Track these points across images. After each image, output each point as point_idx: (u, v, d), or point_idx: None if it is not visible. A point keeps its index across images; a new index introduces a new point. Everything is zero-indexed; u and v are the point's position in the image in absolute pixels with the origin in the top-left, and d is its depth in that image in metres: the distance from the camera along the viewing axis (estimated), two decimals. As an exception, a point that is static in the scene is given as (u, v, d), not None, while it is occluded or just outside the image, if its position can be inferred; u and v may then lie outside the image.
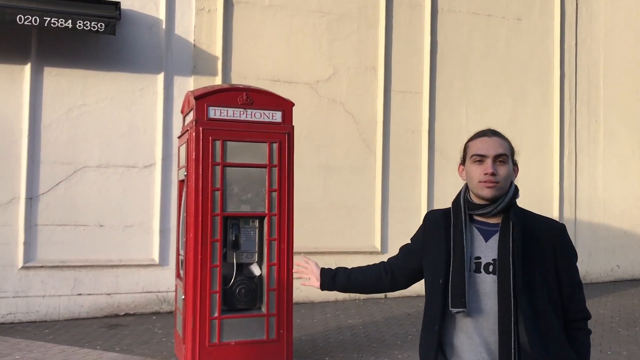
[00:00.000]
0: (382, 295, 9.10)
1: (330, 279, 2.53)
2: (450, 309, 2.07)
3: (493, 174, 2.09)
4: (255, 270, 5.35)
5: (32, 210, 7.58)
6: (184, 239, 5.37)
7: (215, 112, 5.23)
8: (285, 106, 5.46)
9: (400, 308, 8.50)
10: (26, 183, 7.54)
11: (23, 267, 7.50)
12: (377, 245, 9.07)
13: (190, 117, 5.40)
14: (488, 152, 2.12)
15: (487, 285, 2.07)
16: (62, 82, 7.74)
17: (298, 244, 7.79)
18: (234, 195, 5.23)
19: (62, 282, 7.66)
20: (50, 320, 7.56)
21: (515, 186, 2.20)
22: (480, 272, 2.09)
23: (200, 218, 5.10)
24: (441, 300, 2.12)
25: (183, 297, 5.29)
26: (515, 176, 2.21)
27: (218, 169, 5.17)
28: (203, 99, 5.21)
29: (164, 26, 8.14)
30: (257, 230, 5.34)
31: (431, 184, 9.46)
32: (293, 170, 5.40)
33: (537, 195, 10.14)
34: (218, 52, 8.33)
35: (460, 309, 2.05)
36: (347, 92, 9.05)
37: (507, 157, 2.15)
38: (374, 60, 9.21)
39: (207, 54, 8.32)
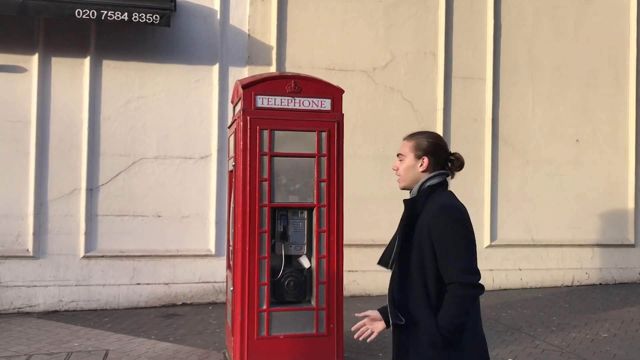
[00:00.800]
0: (442, 289, 8.78)
1: (392, 311, 2.64)
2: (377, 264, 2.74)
3: (394, 169, 2.74)
4: (305, 262, 5.21)
5: (93, 201, 7.74)
6: (233, 230, 5.30)
7: (262, 101, 5.11)
8: (334, 93, 5.27)
9: (460, 303, 8.16)
10: (87, 174, 7.71)
11: (84, 257, 7.68)
12: (437, 238, 8.75)
13: (239, 106, 5.31)
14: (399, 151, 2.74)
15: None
16: (120, 74, 7.85)
17: (353, 235, 7.65)
18: (282, 186, 5.10)
19: (121, 272, 7.80)
20: (110, 309, 7.72)
21: (428, 177, 2.65)
22: None
23: (247, 209, 5.00)
24: None
25: (232, 288, 5.22)
26: (422, 168, 2.65)
27: (266, 159, 5.05)
28: (250, 87, 5.10)
29: (218, 17, 8.11)
30: (305, 221, 5.19)
31: (495, 175, 9.05)
32: (343, 159, 5.22)
33: (611, 184, 9.54)
34: (272, 41, 8.23)
35: (382, 266, 2.69)
36: (405, 79, 8.76)
37: (402, 155, 2.70)
38: (433, 46, 8.86)
39: (261, 44, 8.23)
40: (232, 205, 5.48)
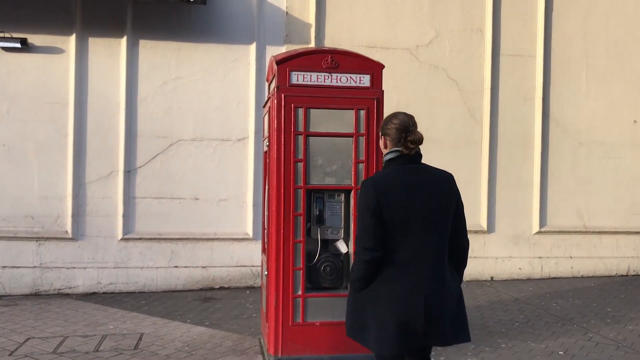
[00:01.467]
0: (487, 277, 8.44)
1: None
2: None
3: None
4: (342, 247, 4.97)
5: (130, 183, 7.68)
6: (267, 213, 5.10)
7: (297, 78, 4.86)
8: (374, 69, 4.98)
9: (507, 292, 7.81)
10: (124, 156, 7.64)
11: (122, 239, 7.64)
12: (484, 224, 8.40)
13: (274, 84, 5.08)
14: None
15: None
16: (156, 54, 7.73)
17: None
18: (318, 167, 4.86)
19: (159, 254, 7.73)
20: (148, 292, 7.68)
21: (387, 153, 3.19)
22: None
23: (282, 191, 4.78)
24: None
25: (266, 273, 5.03)
26: (382, 146, 3.26)
27: (301, 138, 4.81)
28: (285, 63, 4.86)
29: (256, -6, 7.88)
30: (342, 204, 4.94)
31: (545, 157, 8.60)
32: (382, 139, 4.93)
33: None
34: (311, 19, 7.96)
35: None
36: (451, 56, 8.36)
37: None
38: (480, 22, 8.43)
39: (299, 22, 7.97)
40: (267, 187, 5.28)
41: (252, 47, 7.88)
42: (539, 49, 8.56)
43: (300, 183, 4.81)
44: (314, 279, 4.89)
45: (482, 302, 7.23)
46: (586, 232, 8.71)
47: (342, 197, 4.94)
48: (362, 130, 4.87)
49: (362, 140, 4.87)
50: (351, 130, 4.87)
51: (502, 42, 8.49)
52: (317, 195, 4.90)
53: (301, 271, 4.80)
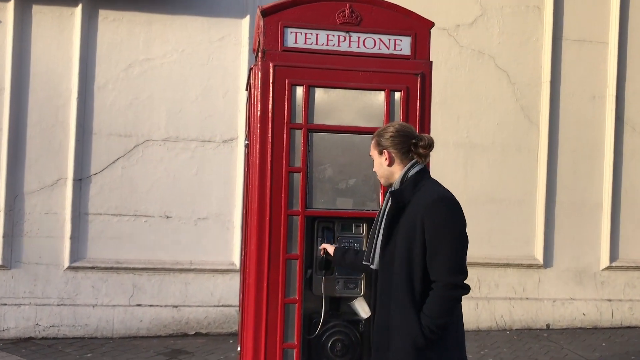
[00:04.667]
0: (542, 324, 6.56)
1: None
2: (363, 262, 2.63)
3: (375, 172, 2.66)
4: (361, 308, 3.14)
5: (82, 195, 5.92)
6: (245, 250, 3.28)
7: (296, 38, 3.06)
8: (417, 27, 3.20)
9: (573, 347, 5.93)
10: (74, 160, 5.90)
11: (70, 268, 5.88)
12: (539, 256, 6.56)
13: (260, 49, 3.25)
14: None
15: None
16: (120, 29, 6.00)
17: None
18: (326, 181, 3.05)
19: (117, 289, 5.96)
20: (101, 337, 5.88)
21: (410, 166, 2.52)
22: None
23: (267, 218, 2.97)
24: None
25: (239, 349, 3.20)
26: (387, 162, 2.54)
27: (300, 135, 3.01)
28: (276, 14, 3.05)
29: (250, -46, 6.13)
30: (364, 240, 3.13)
31: (618, 170, 6.77)
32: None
33: None
34: (321, -13, 6.16)
35: (366, 263, 2.60)
36: (500, 41, 6.59)
37: (372, 156, 2.63)
38: (538, -3, 6.64)
39: (307, -10, 6.19)
40: (246, 209, 3.46)
41: (244, 22, 6.14)
42: (612, 34, 6.80)
43: (298, 207, 3.00)
44: (316, 360, 3.06)
45: (544, 364, 5.36)
46: (669, 269, 6.83)
47: (364, 228, 3.12)
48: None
49: (398, 139, 3.05)
50: (380, 123, 3.06)
51: (565, 24, 6.75)
52: (323, 226, 3.10)
53: (295, 350, 2.97)
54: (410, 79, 3.08)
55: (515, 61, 6.60)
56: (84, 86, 5.92)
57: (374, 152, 2.60)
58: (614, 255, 6.73)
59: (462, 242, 2.40)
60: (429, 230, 2.35)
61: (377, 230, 2.54)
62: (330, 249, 2.93)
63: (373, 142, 2.60)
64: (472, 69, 6.50)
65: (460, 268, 2.37)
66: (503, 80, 6.56)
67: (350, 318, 3.11)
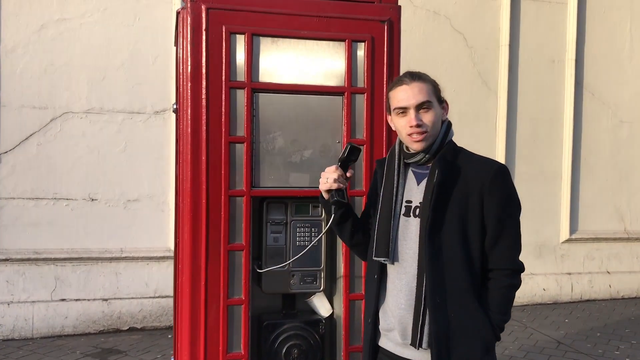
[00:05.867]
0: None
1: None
2: (373, 258, 2.02)
3: (418, 125, 1.94)
4: (321, 305, 2.62)
5: (-10, 176, 5.12)
6: (178, 239, 2.69)
7: (234, -26, 2.45)
8: (382, -36, 2.63)
9: (537, 326, 5.63)
10: (-21, 136, 5.07)
11: (-21, 261, 5.08)
12: (498, 230, 6.16)
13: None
14: (409, 102, 1.96)
15: (413, 228, 1.98)
16: (29, -16, 5.15)
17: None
18: (276, 153, 2.49)
19: (36, 283, 5.23)
20: (19, 339, 5.16)
21: (447, 125, 2.04)
22: (410, 215, 2.00)
23: (203, 200, 2.39)
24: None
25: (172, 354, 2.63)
26: (446, 114, 2.05)
27: (241, 96, 2.42)
28: (208, -56, 2.42)
29: None
30: (323, 224, 2.59)
31: (577, 140, 6.47)
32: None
33: None
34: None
35: (382, 258, 1.99)
36: (456, 1, 6.07)
37: (430, 102, 1.97)
38: (496, -48, 6.17)
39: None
40: (177, 189, 2.85)
41: (176, -24, 5.41)
42: (571, -7, 6.38)
43: (241, 185, 2.42)
44: (268, 372, 2.53)
45: (514, 349, 5.01)
46: (628, 239, 6.61)
47: (322, 210, 2.59)
48: (361, 81, 2.52)
49: (361, 100, 2.52)
50: (340, 81, 2.51)
51: (523, -18, 6.25)
52: (274, 209, 2.54)
53: (242, 360, 2.42)
54: (376, 26, 2.53)
55: (473, 23, 6.14)
56: (-12, 50, 5.11)
57: (432, 98, 1.96)
58: (573, 227, 6.46)
59: (518, 225, 2.01)
60: (492, 209, 1.91)
61: (392, 214, 1.99)
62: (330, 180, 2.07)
63: (429, 87, 2.00)
64: (427, 31, 6.01)
65: (520, 250, 2.00)
66: (460, 44, 6.10)
67: (309, 318, 2.58)
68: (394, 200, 2.01)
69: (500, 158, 6.16)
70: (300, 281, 2.55)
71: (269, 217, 2.52)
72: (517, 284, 1.96)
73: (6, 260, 5.15)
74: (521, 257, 2.03)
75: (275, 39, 2.45)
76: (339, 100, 2.51)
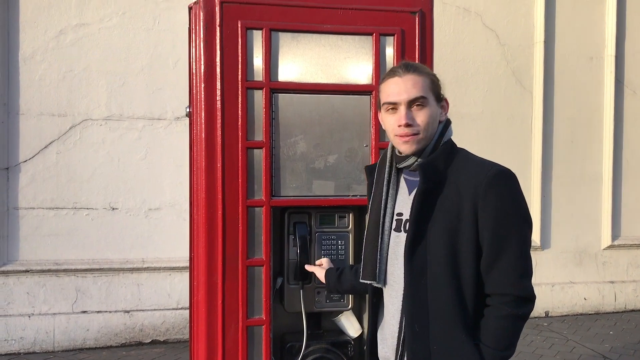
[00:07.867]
0: (541, 311, 5.93)
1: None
2: (360, 280, 1.82)
3: (408, 125, 1.69)
4: (349, 324, 2.40)
5: (10, 186, 5.02)
6: (193, 252, 2.49)
7: (251, -34, 2.25)
8: (413, -50, 2.40)
9: (579, 339, 5.31)
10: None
11: (-1, 272, 4.98)
12: (535, 237, 5.88)
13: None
14: (400, 97, 1.71)
15: (403, 245, 1.72)
16: (47, -11, 5.06)
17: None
18: (298, 159, 2.28)
19: (57, 294, 5.11)
20: (40, 352, 5.04)
21: (445, 124, 1.78)
22: (400, 230, 1.76)
23: (218, 212, 2.19)
24: None
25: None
26: (445, 113, 1.79)
27: (259, 97, 2.22)
28: None
29: None
30: (351, 235, 2.37)
31: (618, 139, 6.14)
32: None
33: None
34: None
35: (369, 281, 1.79)
36: (488, -4, 5.84)
37: (425, 99, 1.71)
38: (529, -55, 5.89)
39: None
40: (192, 199, 2.65)
41: (196, -22, 5.24)
42: (610, -13, 6.08)
43: (260, 194, 2.22)
44: (291, 397, 2.31)
45: (552, 362, 4.71)
46: (675, 246, 6.25)
47: (350, 219, 2.37)
48: (392, 78, 2.29)
49: (392, 99, 2.29)
50: (367, 79, 2.30)
51: (558, -24, 5.97)
52: (296, 220, 2.33)
53: (264, 386, 2.21)
54: (406, 18, 2.30)
55: (505, 19, 5.86)
56: (7, 57, 5.00)
57: (430, 97, 1.71)
58: (615, 232, 6.12)
59: (529, 236, 1.69)
60: (487, 221, 1.61)
61: (380, 230, 1.76)
62: (320, 272, 2.16)
63: (426, 80, 1.74)
64: (458, 29, 5.75)
65: (529, 273, 1.66)
66: (492, 41, 5.82)
67: (336, 339, 2.36)
68: (382, 214, 1.78)
69: (537, 161, 5.87)
70: (326, 299, 2.33)
71: (290, 229, 2.31)
72: (520, 313, 1.63)
73: (27, 271, 5.04)
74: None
75: (296, 34, 2.25)
76: (366, 100, 2.29)
